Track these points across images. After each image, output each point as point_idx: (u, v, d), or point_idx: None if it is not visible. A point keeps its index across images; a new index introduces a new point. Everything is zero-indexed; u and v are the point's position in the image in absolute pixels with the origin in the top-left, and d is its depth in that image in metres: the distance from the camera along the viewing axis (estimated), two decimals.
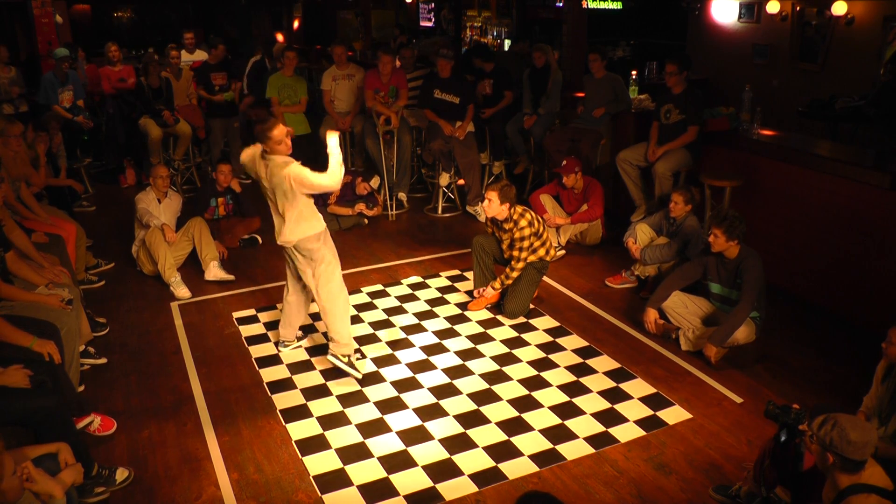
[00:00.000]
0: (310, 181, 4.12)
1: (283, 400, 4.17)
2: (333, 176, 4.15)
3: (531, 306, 5.23)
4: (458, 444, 3.76)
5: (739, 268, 4.40)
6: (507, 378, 4.38)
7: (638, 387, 4.28)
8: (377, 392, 4.24)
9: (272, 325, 5.04)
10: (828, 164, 5.16)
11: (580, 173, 6.20)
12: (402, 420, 3.97)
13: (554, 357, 4.62)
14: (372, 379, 4.38)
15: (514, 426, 3.91)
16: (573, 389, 4.26)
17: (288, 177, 4.10)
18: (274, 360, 4.61)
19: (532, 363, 4.55)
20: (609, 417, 3.99)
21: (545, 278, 5.66)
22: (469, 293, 5.50)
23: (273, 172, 4.18)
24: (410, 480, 3.50)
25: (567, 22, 8.41)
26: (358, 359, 4.49)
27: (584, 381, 4.35)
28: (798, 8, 9.43)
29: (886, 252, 4.78)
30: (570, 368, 4.49)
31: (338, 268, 4.40)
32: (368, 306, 5.34)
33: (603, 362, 4.55)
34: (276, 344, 4.76)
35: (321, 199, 6.83)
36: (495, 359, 4.61)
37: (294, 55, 7.53)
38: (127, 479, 3.47)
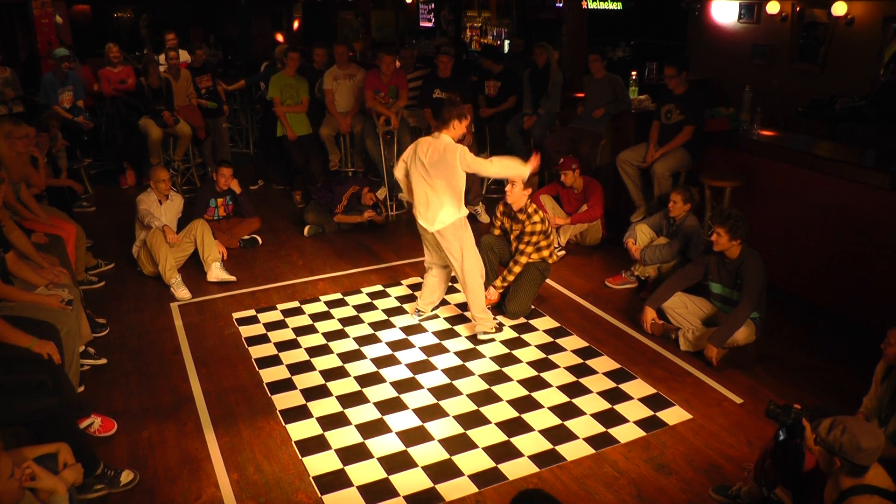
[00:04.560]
0: (473, 162, 4.59)
1: (283, 400, 4.17)
2: (496, 167, 4.69)
3: (532, 307, 5.23)
4: (458, 444, 3.76)
5: (740, 268, 4.40)
6: (507, 378, 4.38)
7: (638, 387, 4.28)
8: (377, 392, 4.24)
9: (272, 326, 5.05)
10: (828, 164, 5.16)
11: (578, 171, 6.20)
12: (402, 420, 3.97)
13: (554, 357, 4.62)
14: (372, 379, 4.38)
15: (514, 427, 3.91)
16: (573, 390, 4.26)
17: (451, 155, 4.54)
18: (274, 360, 4.61)
19: (532, 364, 4.55)
20: (609, 418, 3.98)
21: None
22: None
23: (435, 146, 4.61)
24: (410, 481, 3.49)
25: (567, 22, 8.42)
26: (497, 328, 4.90)
27: (584, 381, 4.35)
28: (798, 8, 9.43)
29: (886, 252, 4.78)
30: (570, 369, 4.49)
31: (475, 250, 4.83)
32: (369, 307, 5.34)
33: (603, 363, 4.55)
34: (416, 314, 5.14)
35: (328, 207, 6.84)
36: (495, 359, 4.61)
37: (297, 56, 7.55)
38: (132, 481, 3.46)
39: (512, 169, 4.67)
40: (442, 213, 4.65)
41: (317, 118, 7.79)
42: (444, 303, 5.40)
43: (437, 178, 4.61)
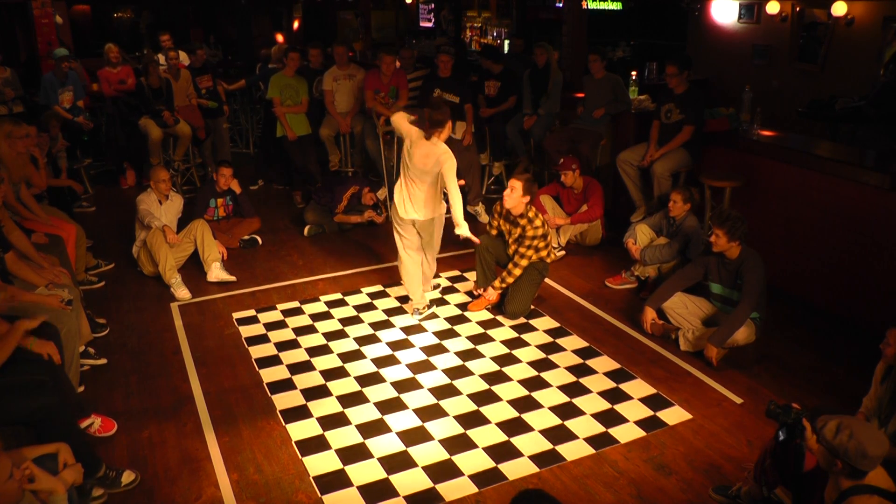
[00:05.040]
0: (450, 181, 4.74)
1: (283, 400, 4.17)
2: (458, 202, 4.78)
3: (531, 307, 5.23)
4: (458, 444, 3.76)
5: (740, 268, 4.40)
6: (507, 378, 4.38)
7: (638, 387, 4.28)
8: (377, 392, 4.24)
9: (272, 326, 5.05)
10: (828, 164, 5.16)
11: (578, 171, 6.20)
12: (403, 420, 3.97)
13: (554, 357, 4.62)
14: (372, 379, 4.38)
15: (514, 427, 3.91)
16: (573, 390, 4.26)
17: (442, 165, 4.73)
18: (274, 360, 4.61)
19: (532, 364, 4.55)
20: (609, 418, 3.98)
21: (545, 279, 5.66)
22: (469, 294, 5.51)
23: (430, 153, 4.78)
24: (410, 481, 3.50)
25: (567, 22, 8.42)
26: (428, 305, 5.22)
27: (584, 381, 4.35)
28: (798, 9, 9.43)
29: (886, 252, 4.78)
30: (570, 369, 4.49)
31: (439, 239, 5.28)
32: (368, 307, 5.34)
33: (603, 363, 4.55)
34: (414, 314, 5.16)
35: (328, 207, 6.83)
36: (495, 359, 4.61)
37: (297, 56, 7.55)
38: (133, 482, 3.46)
39: (458, 210, 4.81)
40: (425, 209, 4.96)
41: (316, 118, 7.79)
42: (443, 302, 5.40)
43: (424, 184, 4.91)
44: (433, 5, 16.30)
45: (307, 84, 7.62)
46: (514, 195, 4.95)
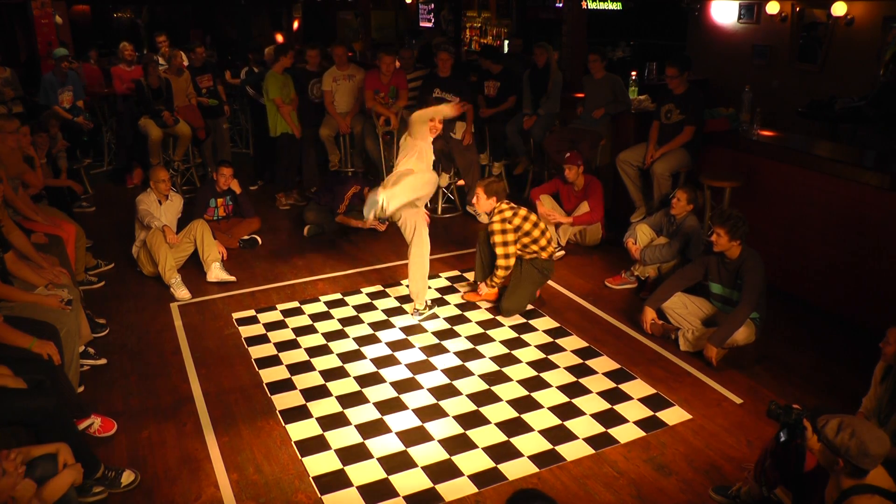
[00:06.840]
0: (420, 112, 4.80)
1: (282, 400, 4.17)
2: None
3: (530, 307, 5.23)
4: (457, 444, 3.76)
5: (741, 268, 4.40)
6: (506, 379, 4.38)
7: (638, 387, 4.28)
8: (377, 393, 4.24)
9: (272, 326, 5.05)
10: (828, 164, 5.16)
11: (582, 168, 6.19)
12: (402, 421, 3.97)
13: (554, 358, 4.62)
14: (371, 379, 4.38)
15: (514, 427, 3.91)
16: (573, 390, 4.26)
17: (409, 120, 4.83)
18: (274, 360, 4.61)
19: (532, 364, 4.55)
20: (609, 418, 3.98)
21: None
22: (470, 285, 5.52)
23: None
24: (410, 481, 3.49)
25: (567, 22, 8.41)
26: (429, 306, 5.17)
27: (584, 381, 4.35)
28: (798, 9, 9.43)
29: (886, 253, 4.78)
30: (570, 369, 4.49)
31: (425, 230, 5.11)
32: (368, 307, 5.34)
33: (603, 363, 4.55)
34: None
35: (328, 207, 6.82)
36: (495, 359, 4.61)
37: (292, 54, 7.56)
38: (133, 482, 3.46)
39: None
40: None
41: (316, 118, 7.78)
42: (444, 302, 5.40)
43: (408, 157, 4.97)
44: (433, 5, 16.30)
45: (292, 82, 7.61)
46: (480, 201, 5.13)
